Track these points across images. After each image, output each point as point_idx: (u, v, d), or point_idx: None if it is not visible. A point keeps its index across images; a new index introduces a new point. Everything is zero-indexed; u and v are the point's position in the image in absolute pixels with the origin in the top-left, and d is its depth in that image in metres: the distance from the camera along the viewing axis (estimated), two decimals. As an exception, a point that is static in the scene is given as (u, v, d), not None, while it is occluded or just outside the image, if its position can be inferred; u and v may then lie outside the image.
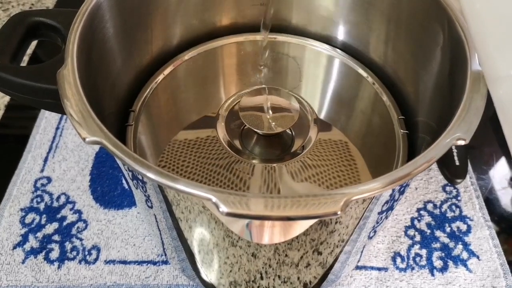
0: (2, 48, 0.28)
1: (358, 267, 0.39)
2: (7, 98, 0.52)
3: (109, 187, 0.44)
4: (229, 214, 0.19)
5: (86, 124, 0.22)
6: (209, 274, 0.33)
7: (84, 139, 0.21)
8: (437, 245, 0.41)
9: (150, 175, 0.21)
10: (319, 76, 0.39)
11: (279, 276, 0.31)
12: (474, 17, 0.26)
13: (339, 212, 0.20)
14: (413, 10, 0.33)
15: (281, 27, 0.41)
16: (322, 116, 0.35)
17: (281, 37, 0.41)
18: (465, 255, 0.40)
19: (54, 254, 0.39)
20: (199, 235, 0.28)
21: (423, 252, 0.40)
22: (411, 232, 0.42)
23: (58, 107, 0.25)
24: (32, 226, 0.41)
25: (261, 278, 0.31)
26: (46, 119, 0.49)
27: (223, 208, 0.19)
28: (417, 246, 0.41)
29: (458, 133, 0.23)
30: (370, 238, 0.32)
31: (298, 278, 0.31)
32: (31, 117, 0.49)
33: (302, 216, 0.20)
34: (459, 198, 0.44)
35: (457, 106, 0.25)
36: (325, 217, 0.23)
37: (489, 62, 0.25)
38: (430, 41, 0.32)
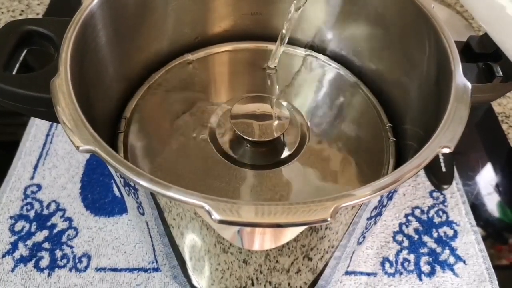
0: (-5, 57, 0.28)
1: (347, 273, 0.40)
2: (-4, 105, 0.52)
3: (99, 194, 0.44)
4: (221, 222, 0.20)
5: (80, 132, 0.22)
6: (201, 281, 0.33)
7: (77, 147, 0.22)
8: (425, 250, 0.41)
9: (143, 182, 0.21)
10: (309, 84, 0.39)
11: (270, 282, 0.31)
12: None
13: (329, 219, 0.20)
14: (400, 21, 0.34)
15: (271, 36, 0.41)
16: (312, 123, 0.36)
17: (272, 46, 0.41)
18: (452, 259, 0.41)
19: (44, 262, 0.39)
20: (190, 241, 0.28)
21: (411, 257, 0.41)
22: (399, 237, 0.42)
23: (50, 115, 0.25)
24: (22, 234, 0.41)
25: (252, 284, 0.31)
26: (37, 126, 0.49)
27: (216, 216, 0.20)
28: (405, 251, 0.41)
29: (443, 142, 0.24)
30: (359, 243, 0.32)
31: (289, 284, 0.31)
32: (21, 124, 0.49)
33: (293, 223, 0.20)
34: (446, 203, 0.45)
35: (442, 114, 0.25)
36: (315, 224, 0.24)
37: None
38: (416, 52, 0.33)
